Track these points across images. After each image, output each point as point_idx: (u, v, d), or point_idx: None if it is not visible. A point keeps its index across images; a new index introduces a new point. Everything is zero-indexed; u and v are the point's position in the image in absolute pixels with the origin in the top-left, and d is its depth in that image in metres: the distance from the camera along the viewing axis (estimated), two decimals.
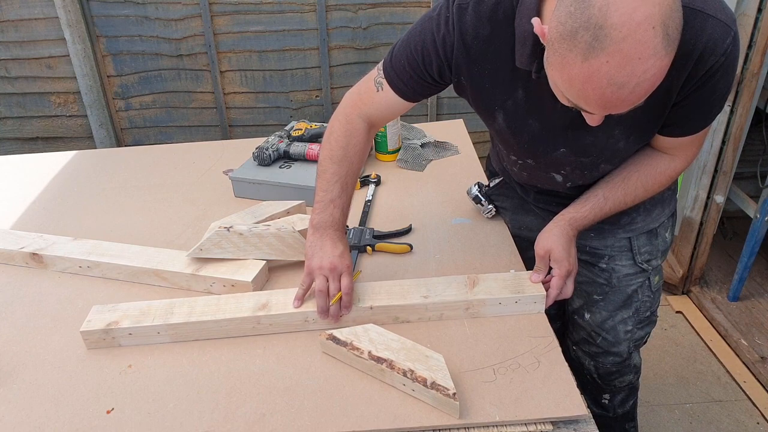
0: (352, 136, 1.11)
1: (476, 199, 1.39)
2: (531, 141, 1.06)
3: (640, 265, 1.22)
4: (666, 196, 1.22)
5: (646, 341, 1.36)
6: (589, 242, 1.22)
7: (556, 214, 1.19)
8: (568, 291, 1.10)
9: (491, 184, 1.40)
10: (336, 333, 0.99)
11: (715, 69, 0.88)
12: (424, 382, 0.88)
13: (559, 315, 1.43)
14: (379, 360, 0.93)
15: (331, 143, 1.12)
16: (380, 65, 1.09)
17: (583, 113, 0.85)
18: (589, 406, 0.96)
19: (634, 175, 1.08)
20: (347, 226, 1.35)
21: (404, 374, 0.90)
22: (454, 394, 0.86)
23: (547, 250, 1.08)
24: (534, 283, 1.09)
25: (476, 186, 1.40)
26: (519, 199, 1.33)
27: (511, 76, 0.98)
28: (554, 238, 1.08)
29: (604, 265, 1.24)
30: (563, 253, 1.07)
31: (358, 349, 0.96)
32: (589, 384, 1.40)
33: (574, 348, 1.39)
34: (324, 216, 1.08)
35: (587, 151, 1.04)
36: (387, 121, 1.17)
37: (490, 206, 1.38)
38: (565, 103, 0.84)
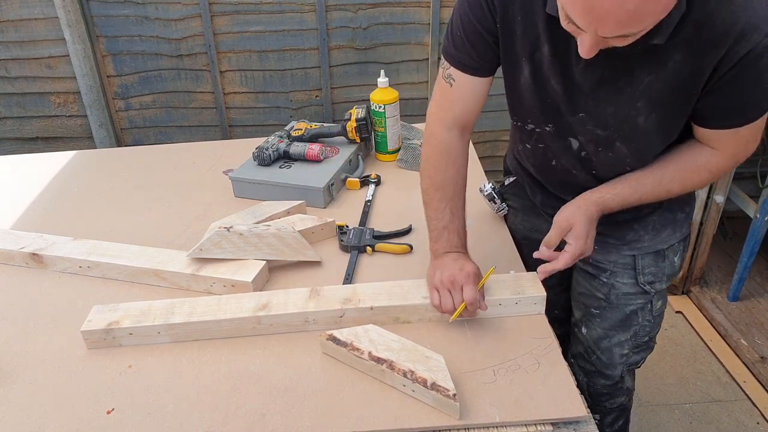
0: (448, 153, 1.10)
1: (490, 197, 1.37)
2: (552, 101, 1.03)
3: (642, 285, 1.19)
4: (679, 218, 1.18)
5: (640, 365, 1.33)
6: (592, 255, 1.17)
7: None
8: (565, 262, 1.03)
9: (505, 183, 1.38)
10: (336, 333, 0.99)
11: (760, 50, 0.82)
12: (424, 382, 0.88)
13: (567, 319, 1.40)
14: (379, 360, 0.93)
15: (429, 170, 1.12)
16: (441, 60, 1.08)
17: (578, 42, 0.82)
18: None
19: (671, 165, 1.03)
20: (347, 226, 1.35)
21: (404, 375, 0.90)
22: (455, 394, 0.86)
23: (570, 222, 1.02)
24: (541, 257, 1.03)
25: (490, 184, 1.39)
26: (530, 200, 1.30)
27: (540, 26, 0.95)
28: (579, 214, 1.02)
29: (605, 280, 1.22)
30: (583, 232, 1.01)
31: (358, 349, 0.96)
32: None
33: (572, 361, 1.37)
34: (441, 244, 1.09)
35: (606, 121, 1.00)
36: (475, 113, 1.12)
37: (504, 205, 1.37)
38: (564, 25, 0.82)
